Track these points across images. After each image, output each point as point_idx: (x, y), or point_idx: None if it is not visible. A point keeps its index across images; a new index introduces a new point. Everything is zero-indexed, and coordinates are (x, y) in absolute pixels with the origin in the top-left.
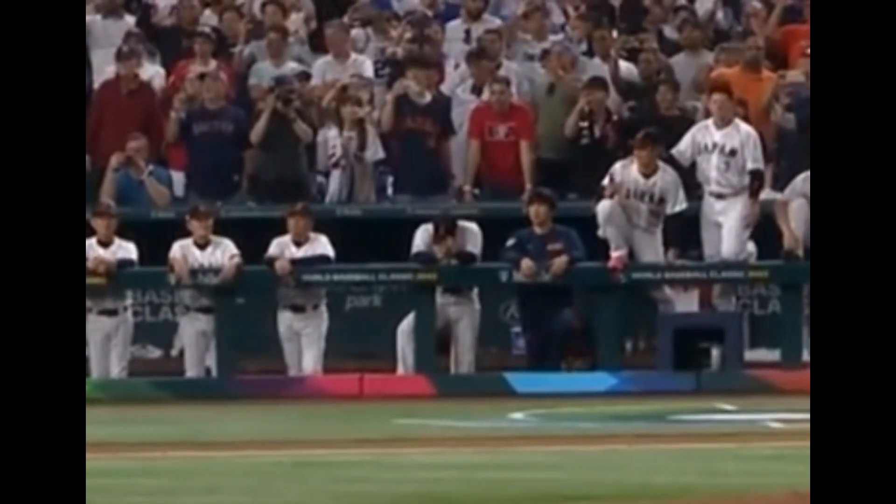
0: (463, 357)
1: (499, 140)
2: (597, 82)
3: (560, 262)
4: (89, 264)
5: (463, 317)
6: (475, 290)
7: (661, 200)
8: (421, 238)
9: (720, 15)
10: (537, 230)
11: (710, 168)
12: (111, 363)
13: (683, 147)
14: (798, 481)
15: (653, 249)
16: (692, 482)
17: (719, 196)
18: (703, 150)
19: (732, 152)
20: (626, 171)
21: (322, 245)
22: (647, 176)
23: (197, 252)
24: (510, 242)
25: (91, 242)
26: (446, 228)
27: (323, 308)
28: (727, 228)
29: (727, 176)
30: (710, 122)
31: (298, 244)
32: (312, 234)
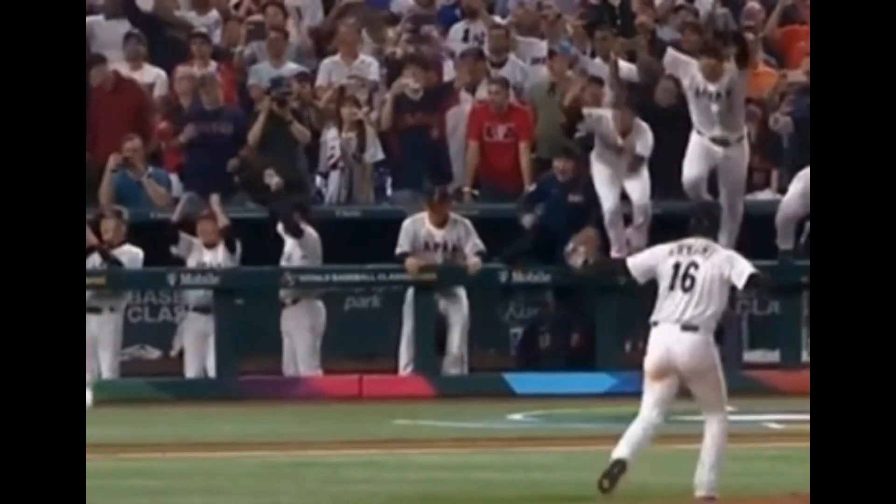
0: (454, 356)
1: (497, 141)
2: (593, 80)
3: (589, 238)
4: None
5: (453, 315)
6: (462, 289)
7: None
8: (405, 235)
9: (719, 16)
10: (560, 177)
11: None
12: (101, 364)
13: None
14: (797, 482)
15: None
16: (692, 483)
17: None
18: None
19: None
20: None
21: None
22: (623, 134)
23: (205, 250)
24: (530, 189)
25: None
26: (442, 193)
27: (319, 303)
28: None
29: None
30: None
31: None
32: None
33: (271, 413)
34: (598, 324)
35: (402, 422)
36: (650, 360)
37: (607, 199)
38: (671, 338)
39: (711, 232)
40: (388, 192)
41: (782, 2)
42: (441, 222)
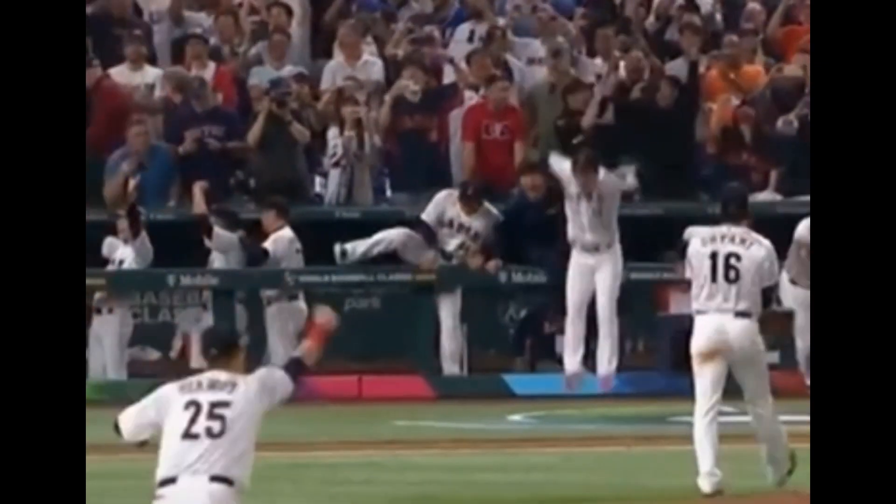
0: (446, 355)
1: (494, 139)
2: (580, 84)
3: None
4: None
5: (442, 315)
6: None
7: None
8: (434, 206)
9: (718, 17)
10: (530, 195)
11: None
12: (107, 364)
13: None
14: (798, 482)
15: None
16: (692, 483)
17: None
18: None
19: None
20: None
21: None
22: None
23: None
24: (501, 217)
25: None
26: (475, 189)
27: (299, 304)
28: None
29: None
30: None
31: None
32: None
33: (270, 414)
34: None
35: (401, 422)
36: (701, 341)
37: None
38: (724, 321)
39: (739, 217)
40: (388, 193)
41: (784, 2)
42: (470, 212)
